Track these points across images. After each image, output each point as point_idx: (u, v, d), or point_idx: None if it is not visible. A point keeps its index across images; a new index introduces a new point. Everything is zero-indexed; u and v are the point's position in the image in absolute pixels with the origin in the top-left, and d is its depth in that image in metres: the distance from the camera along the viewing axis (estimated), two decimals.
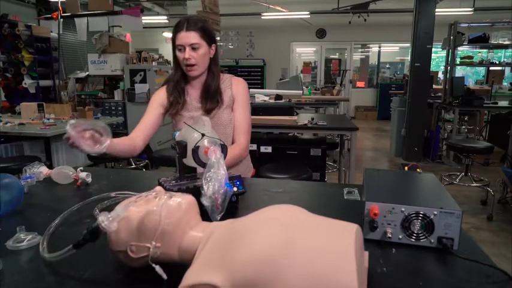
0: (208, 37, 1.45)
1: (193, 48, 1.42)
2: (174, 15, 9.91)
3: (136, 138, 1.48)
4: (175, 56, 1.48)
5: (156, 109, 1.55)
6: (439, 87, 6.90)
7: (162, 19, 9.68)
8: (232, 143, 1.56)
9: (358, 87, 10.46)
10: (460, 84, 5.28)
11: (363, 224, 0.87)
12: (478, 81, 9.58)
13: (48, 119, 3.57)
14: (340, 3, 8.04)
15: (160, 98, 1.56)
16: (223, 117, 1.54)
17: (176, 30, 1.43)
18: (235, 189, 1.06)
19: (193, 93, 1.56)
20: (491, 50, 7.36)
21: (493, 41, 5.16)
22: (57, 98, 5.03)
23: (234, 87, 1.56)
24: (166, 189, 0.93)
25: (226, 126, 1.55)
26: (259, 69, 9.52)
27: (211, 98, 1.50)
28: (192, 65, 1.44)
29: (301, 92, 4.85)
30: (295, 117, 3.15)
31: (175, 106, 1.53)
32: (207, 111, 1.51)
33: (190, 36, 1.40)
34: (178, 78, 1.52)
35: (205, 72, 1.51)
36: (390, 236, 0.86)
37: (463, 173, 3.85)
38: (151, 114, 1.55)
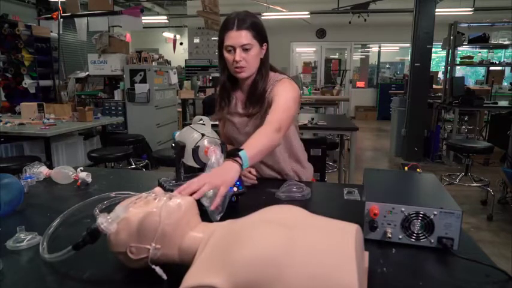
0: (260, 36, 1.30)
1: (245, 49, 1.27)
2: (174, 15, 9.92)
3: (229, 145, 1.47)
4: (221, 57, 1.34)
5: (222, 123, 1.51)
6: (439, 87, 6.90)
7: (162, 19, 9.67)
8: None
9: (358, 87, 10.45)
10: (460, 84, 5.28)
11: (363, 224, 0.87)
12: (478, 81, 9.57)
13: (48, 119, 3.57)
14: (340, 3, 8.04)
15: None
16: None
17: (225, 28, 1.28)
18: (235, 189, 1.06)
19: (240, 96, 1.43)
20: (491, 50, 7.36)
21: (493, 41, 5.15)
22: (57, 98, 5.03)
23: (272, 92, 1.33)
24: (166, 190, 0.93)
25: None
26: None
27: (255, 102, 1.36)
28: (242, 67, 1.29)
29: (301, 92, 4.85)
30: None
31: (220, 110, 1.45)
32: (249, 116, 1.38)
33: (242, 36, 1.25)
34: (225, 81, 1.40)
35: (254, 74, 1.36)
36: (390, 236, 0.86)
37: (463, 173, 3.84)
38: (222, 124, 1.51)
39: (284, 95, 1.29)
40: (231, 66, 1.31)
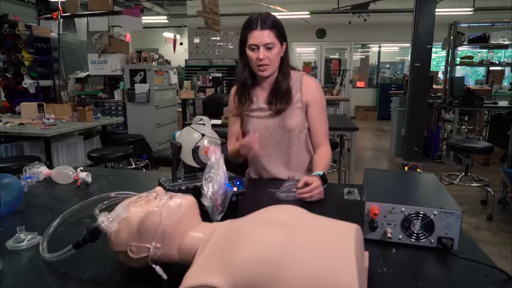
0: (282, 35, 1.39)
1: (268, 48, 1.34)
2: (174, 15, 9.91)
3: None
4: (242, 55, 1.42)
5: (235, 119, 1.54)
6: (439, 87, 6.90)
7: (162, 19, 9.67)
8: (314, 150, 1.52)
9: (358, 87, 10.45)
10: (460, 84, 5.28)
11: (363, 224, 0.87)
12: (478, 81, 9.57)
13: (48, 119, 3.56)
14: (340, 3, 8.04)
15: (232, 103, 1.55)
16: (291, 121, 1.44)
17: (248, 28, 1.35)
18: (235, 189, 1.06)
19: (261, 94, 1.49)
20: (491, 50, 7.36)
21: (493, 41, 5.15)
22: (57, 98, 5.02)
23: (304, 91, 1.46)
24: (167, 190, 0.93)
25: (292, 131, 1.46)
26: None
27: (281, 99, 1.43)
28: (265, 65, 1.37)
29: None
30: None
31: (240, 107, 1.49)
32: (277, 112, 1.44)
33: (265, 36, 1.33)
34: (246, 78, 1.46)
35: (275, 72, 1.44)
36: (390, 236, 0.86)
37: (463, 173, 3.84)
38: (234, 126, 1.54)
39: (322, 103, 1.49)
40: (254, 64, 1.38)
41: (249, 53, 1.37)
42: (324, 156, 1.44)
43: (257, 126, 1.48)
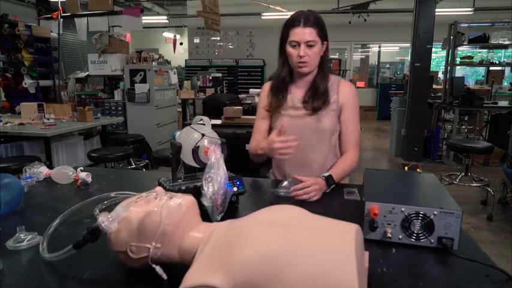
0: (323, 34, 1.39)
1: (309, 45, 1.35)
2: (174, 15, 9.92)
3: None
4: (282, 52, 1.42)
5: (265, 116, 1.51)
6: (439, 87, 6.90)
7: (162, 19, 9.68)
8: (341, 154, 1.49)
9: (358, 87, 10.44)
10: (460, 84, 5.28)
11: (363, 224, 0.87)
12: (478, 81, 9.57)
13: (48, 119, 3.57)
14: (340, 3, 8.03)
15: (265, 98, 1.52)
16: (325, 121, 1.42)
17: (291, 24, 1.36)
18: (235, 189, 1.06)
19: (296, 92, 1.47)
20: (491, 50, 7.35)
21: (493, 41, 5.16)
22: (57, 98, 5.02)
23: (341, 94, 1.44)
24: (167, 190, 0.93)
25: (325, 132, 1.44)
26: (259, 69, 9.50)
27: (319, 98, 1.41)
28: (305, 62, 1.37)
29: None
30: None
31: (275, 103, 1.47)
32: (314, 110, 1.41)
33: (307, 33, 1.34)
34: (285, 75, 1.46)
35: (314, 71, 1.44)
36: (390, 236, 0.86)
37: (463, 173, 3.84)
38: (263, 122, 1.51)
39: (356, 109, 1.47)
40: (294, 60, 1.38)
41: (290, 49, 1.37)
42: (346, 162, 1.42)
43: (288, 125, 1.44)
